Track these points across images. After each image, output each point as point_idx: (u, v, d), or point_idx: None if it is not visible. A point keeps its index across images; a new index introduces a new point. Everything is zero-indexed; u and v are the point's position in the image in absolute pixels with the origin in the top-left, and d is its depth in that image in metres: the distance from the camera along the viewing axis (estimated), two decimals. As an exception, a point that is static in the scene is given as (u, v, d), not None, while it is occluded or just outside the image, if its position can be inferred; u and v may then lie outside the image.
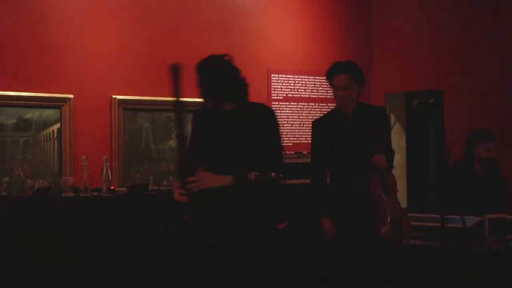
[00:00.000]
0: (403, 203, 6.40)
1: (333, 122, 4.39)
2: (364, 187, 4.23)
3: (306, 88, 6.85)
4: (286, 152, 5.15)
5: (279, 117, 6.49)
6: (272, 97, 6.65)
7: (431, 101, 4.65)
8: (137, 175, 5.70)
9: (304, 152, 5.36)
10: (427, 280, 4.56)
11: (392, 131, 4.76)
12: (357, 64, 4.39)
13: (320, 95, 6.90)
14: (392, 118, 6.88)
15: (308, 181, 4.55)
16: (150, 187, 5.05)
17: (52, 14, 5.58)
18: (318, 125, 4.50)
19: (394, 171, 4.46)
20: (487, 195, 5.08)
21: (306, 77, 6.84)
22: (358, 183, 4.23)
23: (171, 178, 5.48)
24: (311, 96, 6.88)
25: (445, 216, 4.10)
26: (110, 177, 5.00)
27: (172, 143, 5.97)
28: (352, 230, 4.23)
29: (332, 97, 4.49)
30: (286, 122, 6.72)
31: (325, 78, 4.44)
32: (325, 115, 4.65)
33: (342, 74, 4.28)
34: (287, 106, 6.77)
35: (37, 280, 4.38)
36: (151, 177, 5.45)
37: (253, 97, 6.38)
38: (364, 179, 4.21)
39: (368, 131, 4.20)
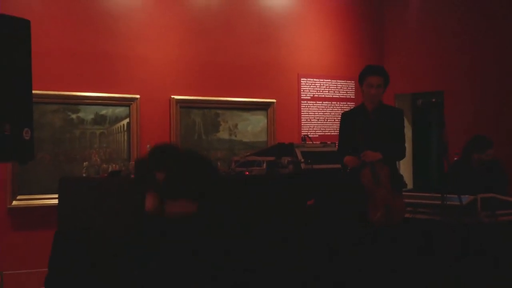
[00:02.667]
0: (410, 185, 6.87)
1: (356, 116, 4.62)
2: (356, 178, 4.45)
3: (330, 89, 7.22)
4: (313, 142, 5.48)
5: (307, 114, 7.14)
6: (302, 97, 7.10)
7: (433, 100, 5.06)
8: (191, 161, 6.31)
9: (328, 142, 5.63)
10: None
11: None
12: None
13: (341, 95, 7.24)
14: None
15: (331, 166, 4.90)
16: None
17: (123, 30, 6.14)
18: (344, 116, 4.76)
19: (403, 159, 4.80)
20: (487, 186, 5.14)
21: (330, 80, 7.22)
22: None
23: (219, 163, 5.92)
24: (333, 96, 7.24)
25: (445, 195, 4.35)
26: (169, 163, 5.45)
27: (220, 134, 6.53)
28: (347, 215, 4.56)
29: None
30: (313, 118, 7.17)
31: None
32: (352, 109, 4.98)
33: (378, 75, 4.57)
34: (314, 104, 7.18)
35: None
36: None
37: (286, 97, 7.18)
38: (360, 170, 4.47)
39: (380, 128, 4.53)
